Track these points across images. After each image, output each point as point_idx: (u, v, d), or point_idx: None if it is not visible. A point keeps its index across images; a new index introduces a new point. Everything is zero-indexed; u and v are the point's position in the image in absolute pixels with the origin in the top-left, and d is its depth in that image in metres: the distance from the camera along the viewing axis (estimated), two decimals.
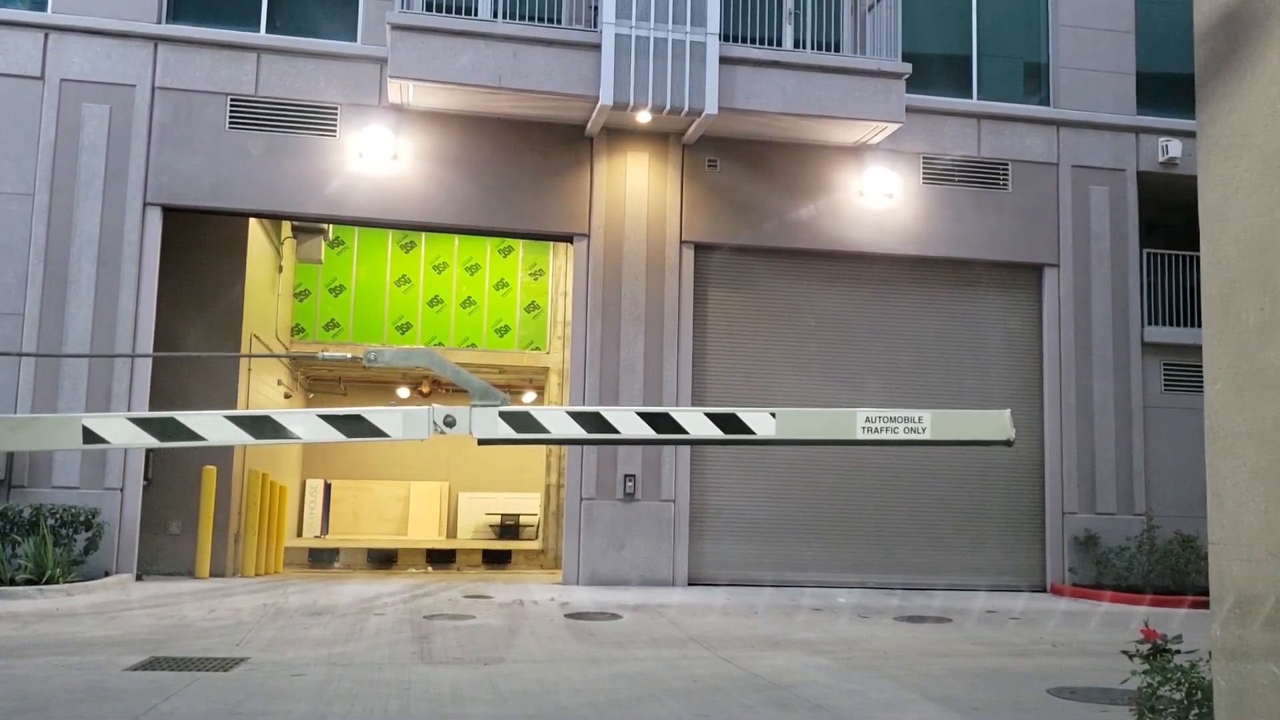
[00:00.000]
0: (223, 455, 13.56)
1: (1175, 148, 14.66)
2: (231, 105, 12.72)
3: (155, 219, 12.43)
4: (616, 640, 8.81)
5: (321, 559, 18.59)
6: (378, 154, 12.89)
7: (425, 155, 13.10)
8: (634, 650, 8.35)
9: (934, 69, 14.66)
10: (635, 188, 13.49)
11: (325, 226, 16.98)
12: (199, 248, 13.80)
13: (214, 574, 13.22)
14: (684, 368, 13.40)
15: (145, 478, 12.44)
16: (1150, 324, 14.87)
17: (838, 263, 14.16)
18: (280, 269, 16.92)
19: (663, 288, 13.42)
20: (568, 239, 13.64)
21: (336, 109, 12.94)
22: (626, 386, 13.22)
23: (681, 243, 13.56)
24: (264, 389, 16.08)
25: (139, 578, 12.15)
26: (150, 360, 12.22)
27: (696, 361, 13.59)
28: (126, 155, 12.37)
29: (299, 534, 22.39)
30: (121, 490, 11.97)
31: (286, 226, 16.97)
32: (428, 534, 23.52)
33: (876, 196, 14.00)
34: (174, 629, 8.95)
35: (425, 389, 22.46)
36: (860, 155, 14.09)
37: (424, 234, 19.70)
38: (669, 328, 13.39)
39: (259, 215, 13.28)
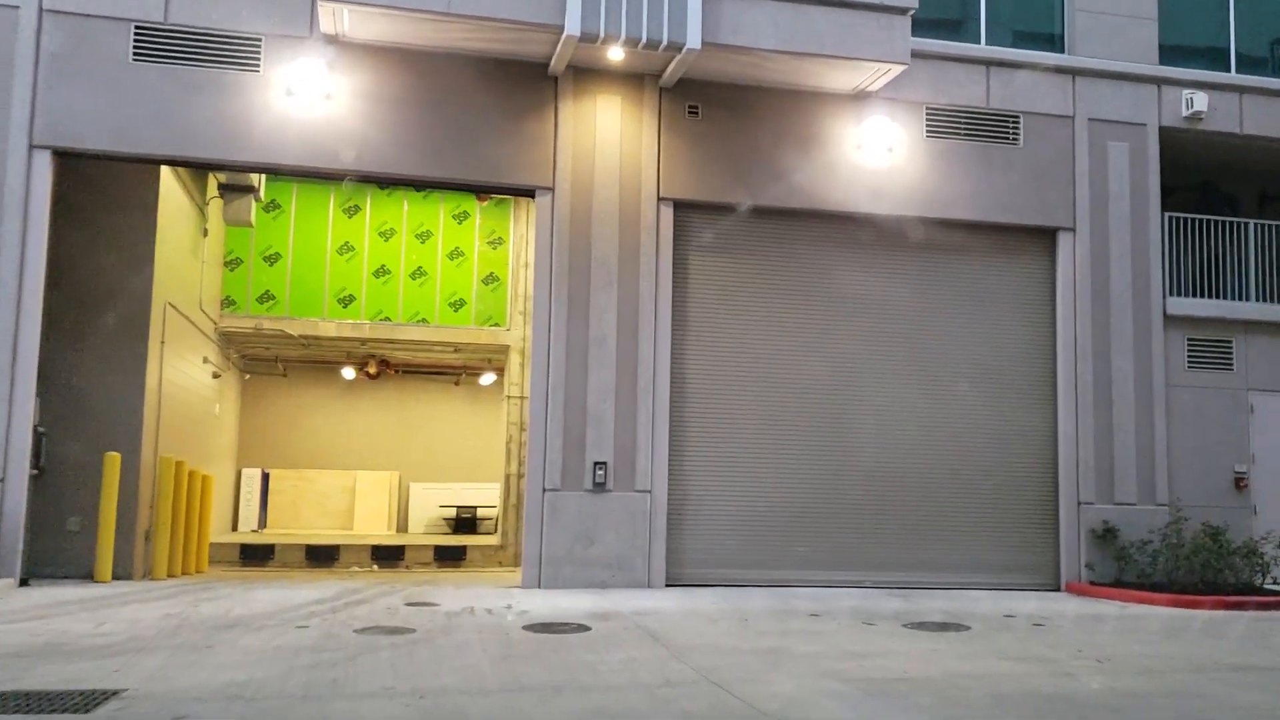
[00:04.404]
0: (129, 440, 11.81)
1: (1200, 100, 13.30)
2: (136, 34, 10.96)
3: (44, 164, 10.66)
4: (585, 661, 7.28)
5: (255, 556, 16.87)
6: (309, 93, 11.20)
7: (365, 95, 11.42)
8: (606, 674, 6.84)
9: (939, 9, 13.18)
10: (606, 135, 11.89)
11: (255, 185, 15.21)
12: (100, 201, 12.02)
13: (119, 577, 11.49)
14: (662, 340, 11.83)
15: (34, 466, 10.70)
16: (1173, 294, 13.50)
17: (832, 224, 12.65)
18: (205, 232, 15.14)
19: (638, 250, 11.84)
20: (529, 193, 11.99)
21: (260, 40, 11.21)
22: (596, 361, 11.64)
23: (659, 199, 11.98)
24: (185, 367, 14.30)
25: (24, 582, 10.41)
26: (37, 332, 10.48)
27: (676, 333, 12.03)
28: (9, 90, 10.60)
29: (234, 528, 20.63)
30: (2, 480, 10.21)
31: (212, 185, 15.19)
32: (375, 528, 21.81)
33: (876, 150, 12.49)
34: (45, 648, 7.29)
35: (373, 370, 20.75)
36: (859, 104, 12.57)
37: (369, 197, 18.01)
38: (645, 295, 11.81)
39: (170, 162, 11.53)
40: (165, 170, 12.47)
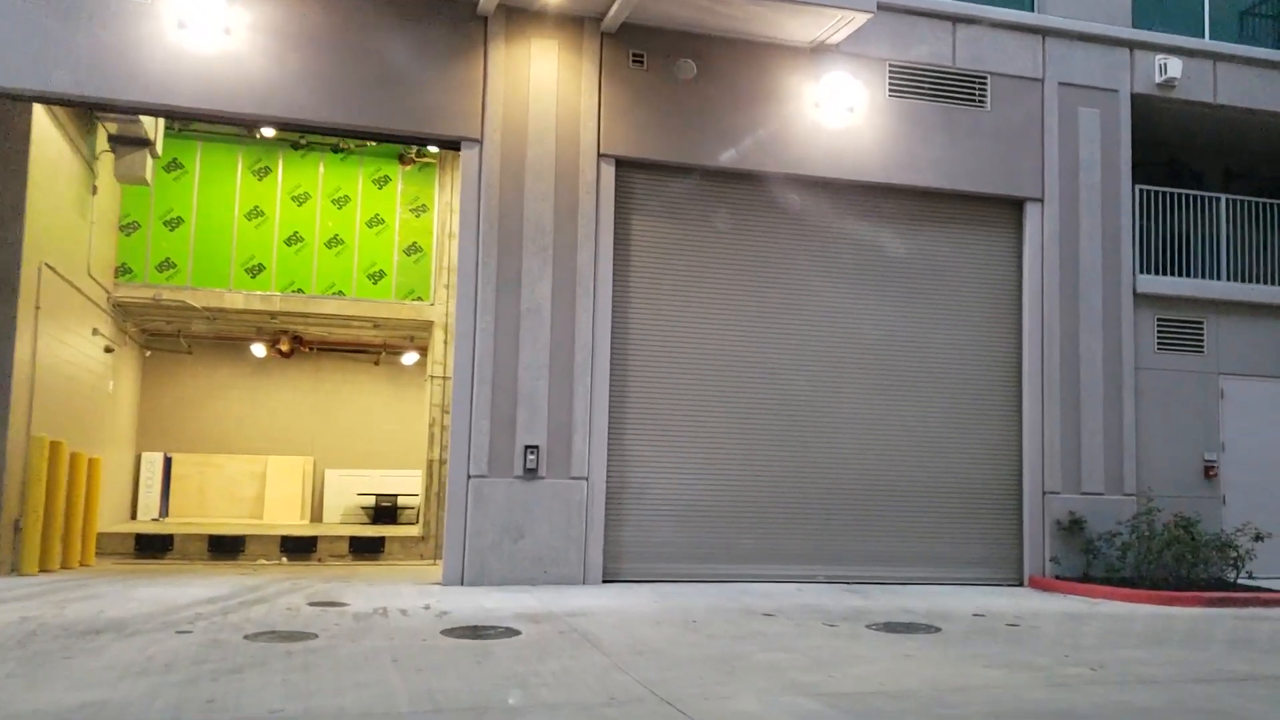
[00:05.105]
0: None
1: (1175, 66, 12.57)
2: None
3: None
4: (514, 673, 6.21)
5: (152, 548, 15.43)
6: (205, 25, 9.89)
7: (270, 31, 10.14)
8: (540, 690, 5.80)
9: None
10: (542, 84, 10.74)
11: (151, 139, 13.72)
12: None
13: None
14: (601, 311, 10.74)
15: None
16: (1143, 272, 12.77)
17: (787, 188, 11.65)
18: (95, 190, 13.62)
19: (576, 211, 10.73)
20: (454, 145, 10.79)
21: None
22: (528, 334, 10.50)
23: (599, 156, 10.88)
24: (69, 338, 12.82)
25: None
26: None
27: (617, 304, 10.95)
28: None
29: (133, 517, 19.07)
30: None
31: (102, 138, 13.67)
32: (287, 517, 20.35)
33: (835, 110, 11.52)
34: None
35: (285, 347, 19.29)
36: (818, 59, 11.58)
37: (281, 158, 16.60)
38: (583, 261, 10.71)
39: (41, 99, 10.10)
40: (39, 112, 11.02)
